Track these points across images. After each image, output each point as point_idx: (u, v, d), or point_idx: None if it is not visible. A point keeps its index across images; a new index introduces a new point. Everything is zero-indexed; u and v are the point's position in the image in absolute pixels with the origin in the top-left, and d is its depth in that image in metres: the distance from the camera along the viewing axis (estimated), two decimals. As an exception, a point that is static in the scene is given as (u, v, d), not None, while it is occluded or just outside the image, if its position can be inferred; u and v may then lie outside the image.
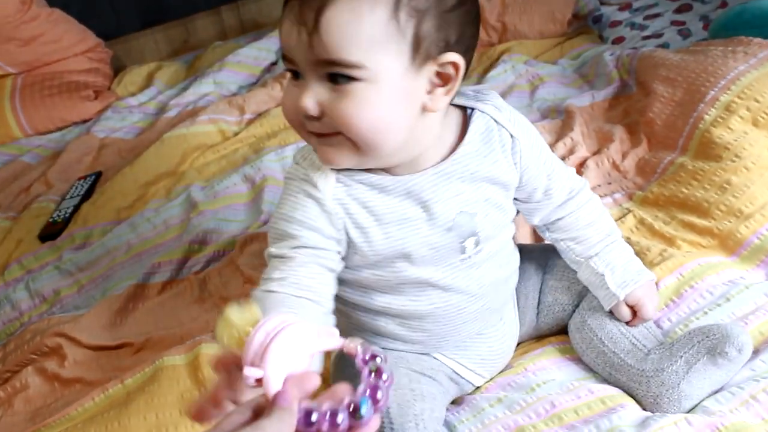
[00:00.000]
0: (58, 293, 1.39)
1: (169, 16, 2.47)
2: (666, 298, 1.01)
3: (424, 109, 0.78)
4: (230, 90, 2.09)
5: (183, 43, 2.48)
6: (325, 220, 0.81)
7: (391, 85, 0.74)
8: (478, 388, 0.98)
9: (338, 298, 0.88)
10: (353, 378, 0.88)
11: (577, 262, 0.98)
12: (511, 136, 0.86)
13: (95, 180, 1.76)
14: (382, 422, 0.82)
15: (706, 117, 1.21)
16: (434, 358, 0.94)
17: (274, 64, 2.17)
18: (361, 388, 0.56)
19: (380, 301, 0.89)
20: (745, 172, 1.12)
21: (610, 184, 1.29)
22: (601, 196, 1.24)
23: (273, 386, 0.54)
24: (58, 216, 1.62)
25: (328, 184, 0.81)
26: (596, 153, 1.37)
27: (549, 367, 0.97)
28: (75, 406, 1.02)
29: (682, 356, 0.86)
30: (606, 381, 0.93)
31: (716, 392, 0.87)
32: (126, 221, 1.54)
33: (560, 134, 1.44)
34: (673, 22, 1.84)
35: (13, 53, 2.12)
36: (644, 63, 1.48)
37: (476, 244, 0.87)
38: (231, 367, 0.58)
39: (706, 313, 0.97)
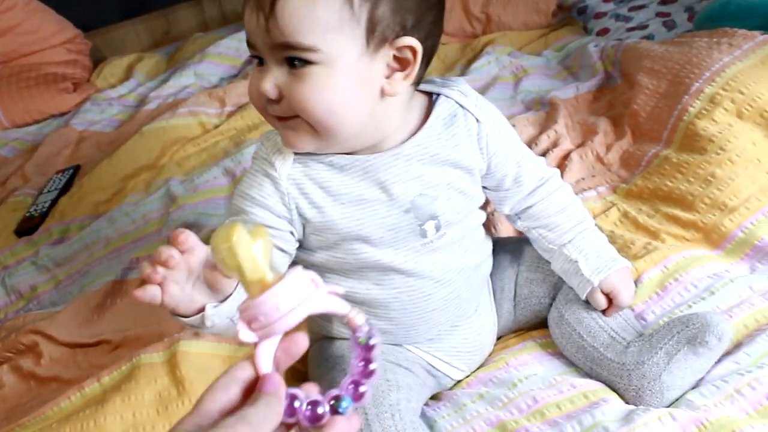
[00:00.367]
0: (34, 289, 1.38)
1: (150, 6, 2.45)
2: (650, 290, 1.01)
3: (384, 93, 0.79)
4: (211, 82, 2.07)
5: (164, 34, 2.46)
6: (278, 199, 0.83)
7: (346, 69, 0.75)
8: (458, 382, 0.97)
9: None
10: (328, 373, 0.88)
11: (550, 251, 0.97)
12: (477, 120, 0.87)
13: (73, 174, 1.74)
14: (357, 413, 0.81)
15: (691, 109, 1.20)
16: (408, 350, 0.94)
17: (255, 55, 2.15)
18: (346, 379, 0.54)
19: (344, 285, 0.87)
20: (729, 165, 1.11)
21: (594, 177, 1.29)
22: (585, 189, 1.24)
23: (263, 366, 0.52)
24: (35, 210, 1.60)
25: (285, 164, 0.83)
26: (580, 145, 1.36)
27: (530, 361, 0.96)
28: (51, 405, 1.01)
29: (662, 347, 0.86)
30: (588, 375, 0.92)
31: (700, 384, 0.86)
32: (104, 216, 1.52)
33: (544, 126, 1.43)
34: (658, 14, 1.84)
35: (-11, 44, 2.09)
36: (629, 55, 1.47)
37: (437, 229, 0.87)
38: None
39: (690, 306, 0.97)
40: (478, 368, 0.99)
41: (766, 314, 0.93)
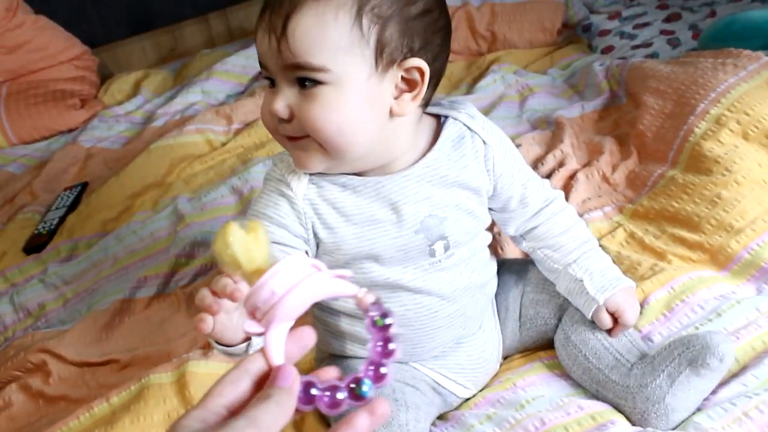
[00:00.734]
0: (43, 307, 1.38)
1: (157, 23, 2.46)
2: (657, 312, 1.01)
3: (392, 114, 0.81)
4: (218, 99, 2.08)
5: (170, 50, 2.47)
6: (295, 219, 0.84)
7: (356, 89, 0.77)
8: (466, 402, 0.97)
9: (315, 304, 0.88)
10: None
11: (555, 271, 0.98)
12: (484, 142, 0.89)
13: (81, 191, 1.74)
14: None
15: (697, 130, 1.21)
16: (414, 368, 0.94)
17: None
18: (365, 362, 0.52)
19: (350, 303, 0.88)
20: (735, 186, 1.11)
21: (600, 197, 1.29)
22: (591, 209, 1.24)
23: (274, 357, 0.51)
24: (43, 228, 1.61)
25: (300, 184, 0.85)
26: (586, 165, 1.36)
27: (538, 382, 0.96)
28: (59, 424, 1.01)
29: (664, 370, 0.86)
30: (594, 397, 0.92)
31: (707, 407, 0.86)
32: (112, 233, 1.53)
33: (550, 146, 1.44)
34: (663, 32, 1.84)
35: (-2, 61, 2.11)
36: (634, 74, 1.48)
37: (446, 249, 0.88)
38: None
39: (697, 327, 0.97)
40: (484, 388, 0.99)
41: (774, 336, 0.93)
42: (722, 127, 1.18)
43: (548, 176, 1.31)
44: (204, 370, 1.02)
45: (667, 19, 1.89)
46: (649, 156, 1.31)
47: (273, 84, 0.80)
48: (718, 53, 1.34)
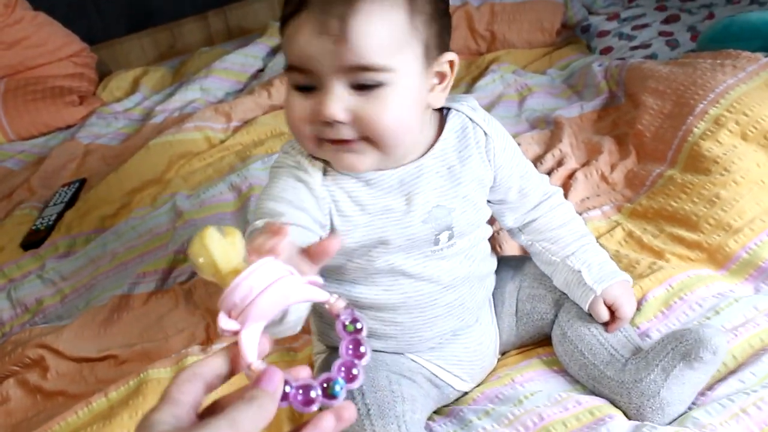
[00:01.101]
0: (40, 303, 1.38)
1: (156, 20, 2.46)
2: (655, 309, 1.01)
3: (427, 107, 0.84)
4: (217, 97, 2.08)
5: (169, 48, 2.47)
6: (314, 203, 0.84)
7: (410, 87, 0.79)
8: (464, 396, 0.98)
9: None
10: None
11: (553, 263, 0.99)
12: (485, 133, 0.90)
13: (79, 187, 1.74)
14: (364, 424, 0.82)
15: (695, 130, 1.21)
16: (411, 360, 0.94)
17: (261, 71, 2.16)
18: (337, 363, 0.53)
19: (354, 292, 0.90)
20: (734, 186, 1.12)
21: (598, 196, 1.29)
22: (589, 209, 1.25)
23: (249, 354, 0.51)
24: (41, 224, 1.60)
25: (317, 172, 0.85)
26: (585, 164, 1.37)
27: (536, 378, 0.97)
28: (57, 419, 1.00)
29: (658, 364, 0.86)
30: (592, 392, 0.93)
31: (705, 402, 0.87)
32: (110, 230, 1.52)
33: (549, 145, 1.44)
34: (661, 33, 1.85)
35: (-4, 57, 2.10)
36: (633, 74, 1.48)
37: (449, 238, 0.89)
38: None
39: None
40: (482, 383, 1.00)
41: (771, 334, 0.93)
42: (721, 128, 1.18)
43: (547, 175, 1.31)
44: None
45: (666, 21, 1.90)
46: (648, 155, 1.31)
47: (306, 88, 0.78)
48: (717, 54, 1.35)
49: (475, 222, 0.92)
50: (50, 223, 1.60)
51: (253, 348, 0.52)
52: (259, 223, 0.80)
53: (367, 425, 0.82)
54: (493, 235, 1.00)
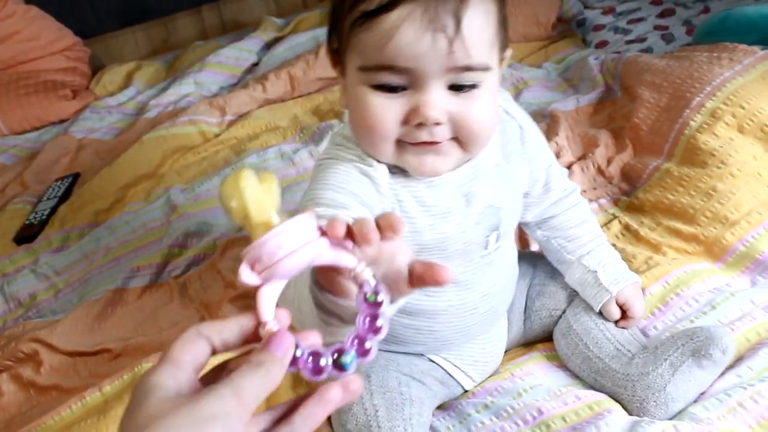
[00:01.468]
0: (34, 297, 1.37)
1: (149, 14, 2.45)
2: (652, 306, 1.01)
3: None
4: (211, 91, 2.07)
5: (163, 42, 2.46)
6: (377, 201, 0.78)
7: (495, 84, 0.76)
8: (466, 392, 0.97)
9: None
10: None
11: (567, 261, 0.98)
12: (520, 126, 0.88)
13: (72, 181, 1.73)
14: (370, 425, 0.81)
15: (692, 123, 1.21)
16: (429, 359, 0.93)
17: (255, 65, 2.15)
18: (351, 335, 0.51)
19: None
20: (730, 179, 1.12)
21: (595, 189, 1.29)
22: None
23: (266, 312, 0.49)
24: (35, 218, 1.59)
25: (383, 170, 0.79)
26: (581, 158, 1.36)
27: (536, 372, 0.96)
28: (51, 414, 1.00)
29: (666, 359, 0.86)
30: (592, 387, 0.93)
31: (703, 398, 0.86)
32: (104, 224, 1.52)
33: (545, 139, 1.43)
34: (657, 27, 1.85)
35: (-12, 51, 2.09)
36: (629, 68, 1.48)
37: (497, 239, 0.87)
38: None
39: (692, 321, 0.97)
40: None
41: (768, 327, 0.93)
42: (718, 121, 1.18)
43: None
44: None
45: (661, 15, 1.90)
46: (645, 149, 1.31)
47: (395, 87, 0.72)
48: (714, 48, 1.34)
49: (515, 220, 0.91)
50: (44, 217, 1.59)
51: (271, 307, 0.49)
52: (321, 210, 0.73)
53: (374, 425, 0.81)
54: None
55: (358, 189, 0.77)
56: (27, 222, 1.59)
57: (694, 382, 0.86)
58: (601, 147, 1.36)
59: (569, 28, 2.01)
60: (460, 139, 0.75)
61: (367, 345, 0.50)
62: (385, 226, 0.50)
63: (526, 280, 1.02)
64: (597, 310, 0.96)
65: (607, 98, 1.54)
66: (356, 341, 0.50)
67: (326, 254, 0.50)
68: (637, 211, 1.21)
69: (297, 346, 0.49)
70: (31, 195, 1.72)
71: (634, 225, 1.18)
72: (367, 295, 0.51)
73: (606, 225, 1.20)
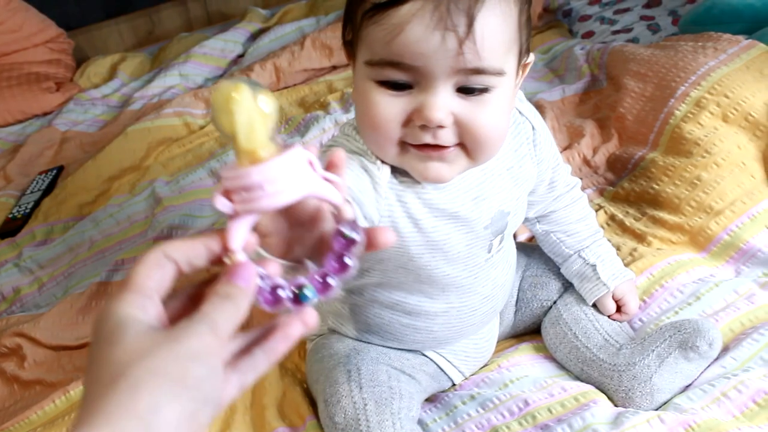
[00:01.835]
0: (17, 292, 1.36)
1: (134, 6, 2.42)
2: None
3: None
4: (196, 82, 2.05)
5: (148, 34, 2.44)
6: (373, 200, 0.75)
7: (509, 91, 0.72)
8: (453, 384, 0.97)
9: (346, 287, 0.87)
10: (331, 371, 0.87)
11: (566, 255, 0.99)
12: (533, 127, 0.86)
13: (56, 174, 1.72)
14: (359, 418, 0.81)
15: (677, 112, 1.21)
16: (421, 354, 0.93)
17: (240, 56, 2.14)
18: (316, 270, 0.50)
19: (395, 297, 0.87)
20: (715, 168, 1.12)
21: (581, 179, 1.28)
22: (572, 192, 1.24)
23: (235, 241, 0.47)
24: (18, 212, 1.58)
25: (386, 168, 0.76)
26: (567, 148, 1.36)
27: (523, 363, 0.97)
28: (35, 408, 1.00)
29: (654, 350, 0.87)
30: (578, 378, 0.93)
31: (687, 388, 0.87)
32: (88, 217, 1.51)
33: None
34: (643, 17, 1.84)
35: (-30, 43, 2.07)
36: (615, 58, 1.48)
37: (500, 242, 0.86)
38: None
39: (677, 312, 0.97)
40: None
41: (752, 317, 0.93)
42: (702, 110, 1.18)
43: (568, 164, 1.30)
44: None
45: (648, 5, 1.89)
46: (630, 139, 1.31)
47: (401, 85, 0.70)
48: (699, 37, 1.34)
49: (520, 223, 0.90)
50: (27, 211, 1.58)
51: (242, 235, 0.47)
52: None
53: (362, 419, 0.81)
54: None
55: (353, 182, 0.73)
56: (10, 215, 1.58)
57: (679, 374, 0.86)
58: (586, 137, 1.36)
59: (555, 19, 2.00)
60: (466, 145, 0.72)
61: (330, 281, 0.49)
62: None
63: (519, 272, 1.02)
64: (590, 303, 0.96)
65: (593, 88, 1.54)
66: (319, 277, 0.49)
67: (314, 188, 0.48)
68: (623, 201, 1.22)
69: (261, 277, 0.48)
70: (15, 188, 1.70)
71: (620, 215, 1.18)
72: (344, 232, 0.49)
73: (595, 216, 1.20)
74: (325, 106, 1.71)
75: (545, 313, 1.00)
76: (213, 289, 0.46)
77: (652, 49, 1.38)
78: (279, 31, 2.13)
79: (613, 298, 0.96)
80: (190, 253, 0.48)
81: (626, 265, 1.04)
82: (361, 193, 0.74)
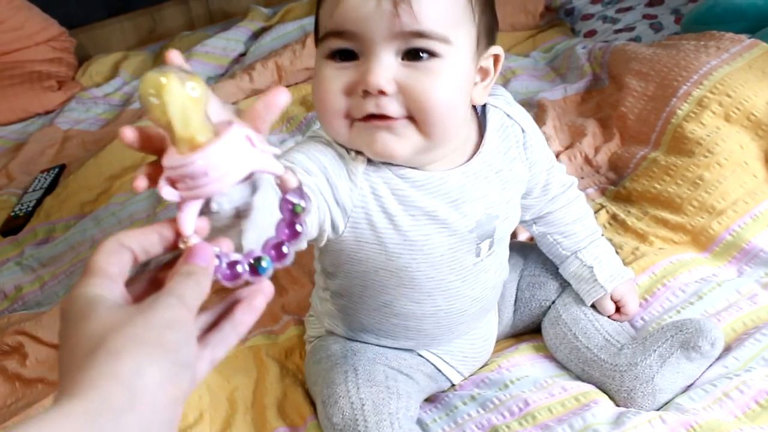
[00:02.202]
0: (19, 290, 1.36)
1: (136, 4, 2.43)
2: (639, 297, 1.01)
3: (470, 102, 0.77)
4: (198, 81, 2.05)
5: (149, 32, 2.44)
6: (347, 187, 0.75)
7: (461, 67, 0.73)
8: (453, 385, 0.97)
9: (333, 289, 0.89)
10: (328, 372, 0.87)
11: (563, 256, 0.98)
12: (523, 130, 0.86)
13: (58, 173, 1.72)
14: (357, 419, 0.81)
15: (679, 112, 1.21)
16: (418, 354, 0.93)
17: (242, 55, 2.14)
18: (269, 241, 0.51)
19: (381, 299, 0.86)
20: (717, 168, 1.11)
21: (582, 178, 1.29)
22: (573, 192, 1.24)
23: (187, 226, 0.48)
24: (20, 210, 1.58)
25: (360, 158, 0.76)
26: (569, 147, 1.36)
27: (523, 363, 0.96)
28: (36, 407, 0.99)
29: (655, 350, 0.86)
30: (579, 378, 0.93)
31: (689, 389, 0.87)
32: (90, 215, 1.51)
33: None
34: (645, 16, 1.84)
35: (-28, 42, 2.07)
36: (616, 57, 1.48)
37: (490, 247, 0.85)
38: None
39: (678, 311, 0.97)
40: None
41: (754, 318, 0.93)
42: (704, 109, 1.18)
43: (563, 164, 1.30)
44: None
45: (650, 4, 1.89)
46: (632, 138, 1.31)
47: (347, 56, 0.71)
48: (701, 36, 1.34)
49: (513, 227, 0.89)
50: (29, 209, 1.58)
51: (192, 220, 0.48)
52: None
53: (360, 420, 0.81)
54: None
55: (329, 165, 0.74)
56: (12, 214, 1.58)
57: (681, 374, 0.86)
58: (588, 136, 1.35)
59: (557, 17, 2.00)
60: (414, 117, 0.71)
61: (284, 249, 0.51)
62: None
63: (517, 272, 1.02)
64: (588, 305, 0.96)
65: (595, 87, 1.54)
66: (273, 247, 0.51)
67: (255, 163, 0.48)
68: (624, 200, 1.21)
69: (218, 255, 0.49)
70: (17, 187, 1.71)
71: (621, 215, 1.18)
72: (295, 204, 0.51)
73: (593, 214, 1.19)
74: (326, 105, 1.70)
75: (544, 313, 1.00)
76: (174, 271, 0.48)
77: (654, 48, 1.38)
78: (281, 29, 2.13)
79: (612, 298, 0.96)
80: (145, 241, 0.49)
81: (628, 264, 1.04)
82: (337, 177, 0.75)
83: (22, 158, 1.81)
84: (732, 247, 1.05)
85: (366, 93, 0.70)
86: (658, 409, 0.86)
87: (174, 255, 0.50)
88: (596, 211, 1.20)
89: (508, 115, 0.85)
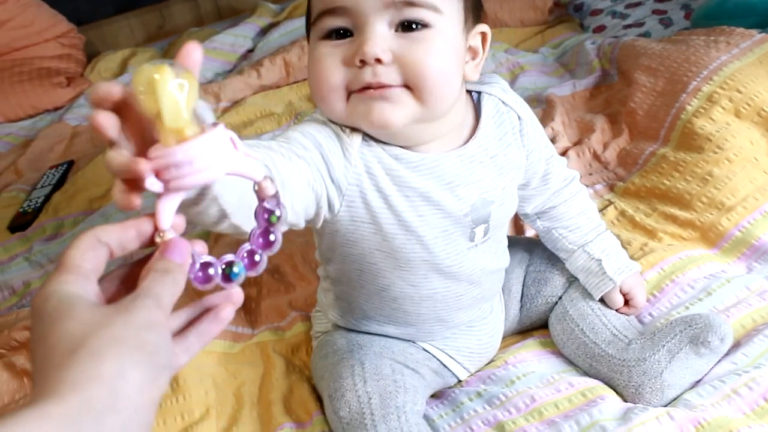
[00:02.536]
0: (28, 285, 1.36)
1: (144, 1, 2.43)
2: (647, 292, 1.00)
3: (463, 78, 0.79)
4: (206, 77, 2.05)
5: (158, 29, 2.44)
6: (342, 165, 0.76)
7: (452, 39, 0.75)
8: (459, 381, 0.97)
9: (332, 275, 0.89)
10: (335, 367, 0.87)
11: (570, 251, 0.98)
12: (519, 117, 0.86)
13: (67, 169, 1.72)
14: (363, 412, 0.81)
15: (688, 107, 1.20)
16: (423, 349, 0.93)
17: (250, 51, 2.14)
18: (243, 248, 0.52)
19: (378, 282, 0.86)
20: (727, 164, 1.11)
21: (591, 174, 1.28)
22: (582, 188, 1.24)
23: (165, 220, 0.49)
24: (29, 206, 1.59)
25: (355, 137, 0.77)
26: (577, 143, 1.35)
27: (529, 359, 0.96)
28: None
29: (664, 345, 0.86)
30: (586, 373, 0.92)
31: (697, 384, 0.86)
32: (98, 211, 1.51)
33: (541, 124, 1.43)
34: (655, 11, 1.83)
35: (-19, 39, 2.07)
36: (626, 52, 1.47)
37: (485, 233, 0.86)
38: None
39: (687, 307, 0.96)
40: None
41: (763, 314, 0.92)
42: (714, 105, 1.17)
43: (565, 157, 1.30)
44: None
45: (660, -1, 1.88)
46: (641, 134, 1.30)
47: (341, 35, 0.74)
48: (711, 31, 1.33)
49: (508, 214, 0.89)
50: (38, 205, 1.59)
51: (170, 214, 0.49)
52: (252, 142, 0.70)
53: (367, 413, 0.81)
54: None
55: (324, 142, 0.75)
56: (21, 210, 1.59)
57: (690, 369, 0.86)
58: (597, 132, 1.35)
59: (566, 13, 2.00)
60: (411, 86, 0.73)
61: (257, 258, 0.52)
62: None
63: (522, 267, 1.01)
64: (597, 298, 0.96)
65: (604, 83, 1.53)
66: (247, 254, 0.51)
67: (236, 166, 0.49)
68: (633, 196, 1.21)
69: (193, 256, 0.49)
70: (26, 183, 1.71)
71: (630, 211, 1.17)
72: (272, 212, 0.52)
73: (602, 211, 1.19)
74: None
75: (551, 309, 0.99)
76: (149, 266, 0.48)
77: (663, 44, 1.37)
78: (289, 25, 2.13)
79: (620, 291, 0.96)
80: (122, 236, 0.49)
81: (636, 259, 1.03)
82: (332, 155, 0.75)
83: (30, 154, 1.82)
84: (741, 243, 1.05)
85: (363, 63, 0.72)
86: (665, 406, 0.85)
87: (145, 254, 0.50)
88: (604, 208, 1.20)
89: (503, 102, 0.86)
